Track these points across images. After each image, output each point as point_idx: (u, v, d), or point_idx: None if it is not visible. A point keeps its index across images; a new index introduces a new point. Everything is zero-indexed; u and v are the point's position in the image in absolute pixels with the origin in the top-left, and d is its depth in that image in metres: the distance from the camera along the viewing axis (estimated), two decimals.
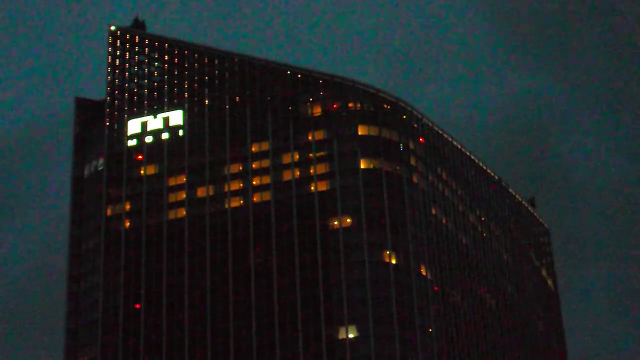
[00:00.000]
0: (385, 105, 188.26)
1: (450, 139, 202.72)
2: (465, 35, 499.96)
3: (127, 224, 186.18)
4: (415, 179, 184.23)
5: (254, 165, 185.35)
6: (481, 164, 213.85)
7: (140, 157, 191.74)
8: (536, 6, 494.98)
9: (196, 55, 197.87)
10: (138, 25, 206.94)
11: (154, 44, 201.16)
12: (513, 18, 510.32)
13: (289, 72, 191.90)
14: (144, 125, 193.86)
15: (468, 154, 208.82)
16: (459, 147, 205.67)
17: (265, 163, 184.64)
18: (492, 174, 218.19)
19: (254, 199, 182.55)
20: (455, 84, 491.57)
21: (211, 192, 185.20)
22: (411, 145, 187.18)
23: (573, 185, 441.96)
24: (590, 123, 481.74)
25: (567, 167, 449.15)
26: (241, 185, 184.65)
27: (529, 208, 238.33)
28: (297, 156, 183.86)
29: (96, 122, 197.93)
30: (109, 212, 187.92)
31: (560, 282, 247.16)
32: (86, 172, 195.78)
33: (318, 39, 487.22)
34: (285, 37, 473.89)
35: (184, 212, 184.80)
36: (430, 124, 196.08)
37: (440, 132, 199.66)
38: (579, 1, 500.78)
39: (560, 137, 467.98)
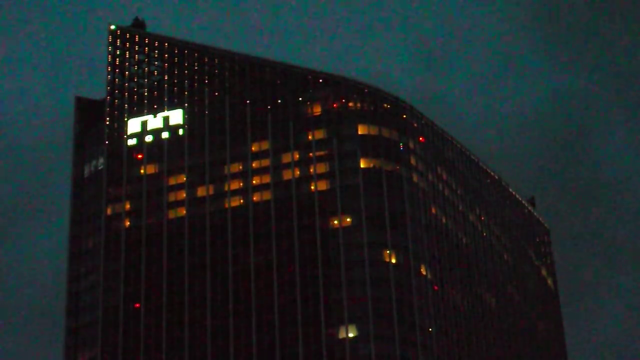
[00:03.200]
0: (385, 105, 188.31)
1: (450, 138, 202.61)
2: (497, 29, 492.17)
3: (127, 224, 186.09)
4: (415, 179, 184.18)
5: (254, 165, 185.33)
6: (481, 164, 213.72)
7: (140, 156, 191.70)
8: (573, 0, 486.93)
9: (196, 54, 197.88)
10: (138, 24, 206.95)
11: (154, 44, 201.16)
12: (548, 13, 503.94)
13: (288, 71, 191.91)
14: (144, 124, 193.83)
15: (468, 153, 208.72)
16: (459, 146, 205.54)
17: (265, 162, 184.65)
18: (492, 174, 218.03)
19: (254, 198, 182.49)
20: (486, 80, 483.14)
21: (211, 192, 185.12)
22: (411, 145, 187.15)
23: (603, 184, 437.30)
24: (625, 121, 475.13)
25: (598, 166, 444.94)
26: (241, 184, 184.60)
27: (529, 208, 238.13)
28: (297, 155, 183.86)
29: (96, 122, 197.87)
30: (109, 211, 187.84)
31: (560, 282, 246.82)
32: (86, 172, 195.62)
33: (335, 35, 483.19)
34: (285, 37, 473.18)
35: (184, 212, 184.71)
36: (430, 123, 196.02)
37: (441, 131, 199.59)
38: None
39: (593, 135, 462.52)
